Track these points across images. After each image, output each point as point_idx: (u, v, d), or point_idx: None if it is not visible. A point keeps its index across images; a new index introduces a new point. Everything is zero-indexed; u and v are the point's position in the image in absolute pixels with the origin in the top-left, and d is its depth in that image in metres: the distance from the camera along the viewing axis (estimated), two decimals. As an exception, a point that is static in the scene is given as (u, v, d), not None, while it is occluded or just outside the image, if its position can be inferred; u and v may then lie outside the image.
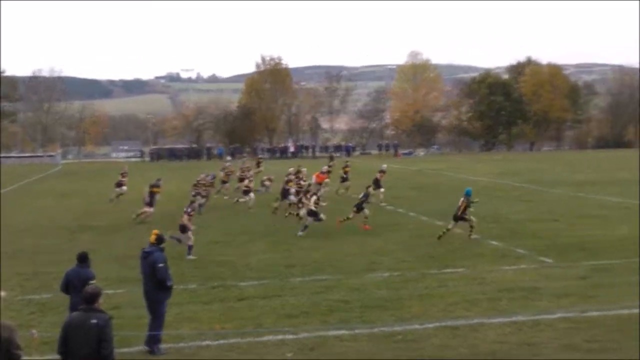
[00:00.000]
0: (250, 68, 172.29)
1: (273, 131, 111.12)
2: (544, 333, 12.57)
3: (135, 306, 13.99)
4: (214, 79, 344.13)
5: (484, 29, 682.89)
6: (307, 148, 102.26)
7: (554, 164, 67.52)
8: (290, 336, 12.67)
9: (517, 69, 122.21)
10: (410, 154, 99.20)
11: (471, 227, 22.96)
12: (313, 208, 24.67)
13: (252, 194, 32.58)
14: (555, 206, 31.30)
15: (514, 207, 31.41)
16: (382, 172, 34.55)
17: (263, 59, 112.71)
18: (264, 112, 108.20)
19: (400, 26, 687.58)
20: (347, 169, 37.90)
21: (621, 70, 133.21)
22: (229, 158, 69.06)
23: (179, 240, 19.10)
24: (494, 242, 22.30)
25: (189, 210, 21.48)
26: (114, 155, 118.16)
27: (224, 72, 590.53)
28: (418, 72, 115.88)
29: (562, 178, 45.55)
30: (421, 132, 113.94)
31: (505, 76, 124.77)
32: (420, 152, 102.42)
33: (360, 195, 26.27)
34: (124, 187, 35.44)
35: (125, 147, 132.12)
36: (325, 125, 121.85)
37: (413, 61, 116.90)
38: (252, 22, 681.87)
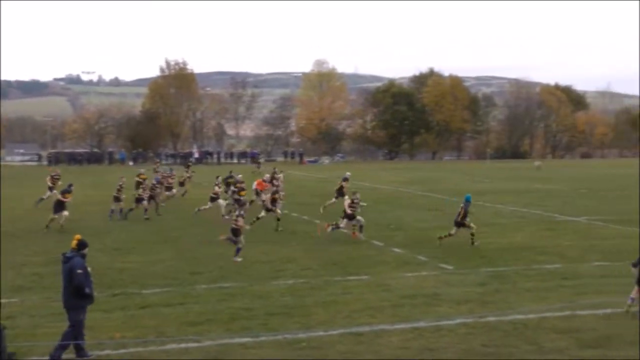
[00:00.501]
0: (154, 72, 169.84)
1: (177, 136, 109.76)
2: (445, 338, 12.88)
3: (31, 315, 13.48)
4: (116, 83, 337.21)
5: (388, 39, 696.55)
6: (211, 154, 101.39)
7: (455, 173, 69.43)
8: (194, 344, 12.51)
9: (420, 80, 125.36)
10: (315, 161, 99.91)
11: (472, 234, 23.26)
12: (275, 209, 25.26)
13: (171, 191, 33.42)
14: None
15: (417, 215, 32.14)
16: (346, 180, 34.41)
17: (168, 63, 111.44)
18: (168, 117, 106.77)
19: (306, 34, 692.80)
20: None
21: (518, 83, 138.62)
22: (131, 163, 67.63)
23: (235, 242, 20.90)
24: (396, 250, 22.70)
25: (242, 212, 21.92)
26: (8, 158, 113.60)
27: (127, 76, 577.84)
28: (324, 80, 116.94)
29: (463, 187, 46.78)
30: (326, 140, 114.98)
31: (409, 86, 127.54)
32: (325, 160, 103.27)
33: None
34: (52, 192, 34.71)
35: (22, 151, 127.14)
36: (230, 131, 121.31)
37: (319, 69, 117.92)
38: (157, 25, 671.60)
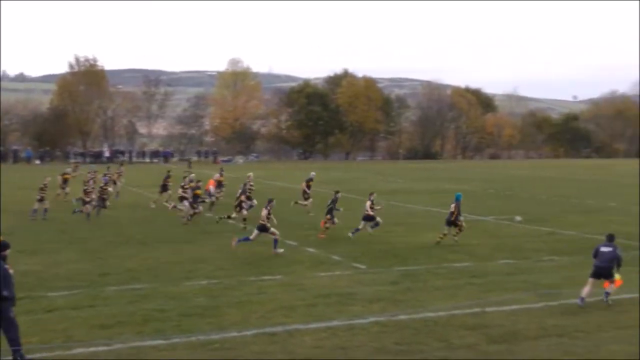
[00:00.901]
0: (62, 68, 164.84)
1: (87, 135, 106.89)
2: (358, 337, 13.02)
3: None
4: (21, 78, 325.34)
5: (303, 39, 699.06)
6: (123, 153, 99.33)
7: (368, 173, 70.32)
8: (103, 348, 12.23)
9: (335, 81, 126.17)
10: (229, 161, 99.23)
11: (459, 231, 24.01)
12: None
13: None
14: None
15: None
16: (311, 180, 34.03)
17: (77, 59, 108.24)
18: (77, 115, 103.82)
19: (220, 33, 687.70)
20: (168, 180, 36.93)
21: (430, 85, 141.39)
22: (37, 162, 65.45)
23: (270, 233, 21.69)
24: (311, 249, 22.82)
25: (269, 208, 22.17)
26: None
27: (34, 71, 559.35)
28: (238, 79, 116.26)
29: (376, 187, 47.39)
30: (241, 140, 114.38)
31: (323, 87, 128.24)
32: (240, 159, 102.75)
33: (328, 202, 26.39)
34: None
35: None
36: (142, 130, 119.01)
37: (233, 68, 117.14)
38: (65, 20, 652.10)
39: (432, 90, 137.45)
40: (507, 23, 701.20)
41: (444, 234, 24.19)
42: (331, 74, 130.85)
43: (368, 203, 25.74)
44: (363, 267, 19.96)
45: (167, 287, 16.94)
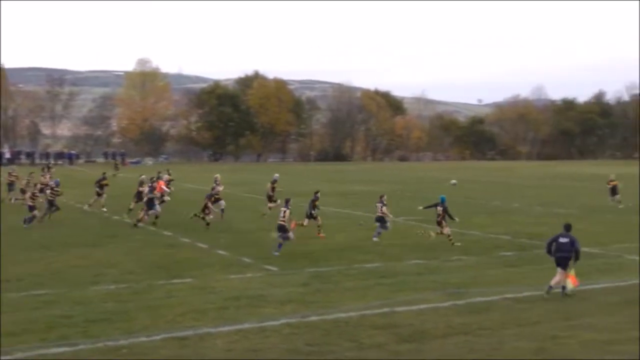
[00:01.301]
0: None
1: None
2: (269, 339, 13.00)
3: None
4: None
5: (213, 40, 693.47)
6: (26, 154, 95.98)
7: (280, 175, 70.14)
8: (5, 357, 11.77)
9: (245, 82, 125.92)
10: (138, 162, 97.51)
11: (440, 233, 24.80)
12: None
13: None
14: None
15: (242, 217, 32.21)
16: (275, 181, 33.66)
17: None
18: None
19: (128, 31, 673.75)
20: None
21: (340, 88, 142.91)
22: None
23: (288, 239, 22.43)
24: (221, 252, 22.66)
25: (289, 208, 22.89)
26: None
27: None
28: (147, 79, 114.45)
29: (288, 189, 47.37)
30: (149, 141, 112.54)
31: (234, 88, 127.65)
32: (149, 161, 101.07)
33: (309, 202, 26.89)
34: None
35: None
36: (46, 130, 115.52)
37: (142, 68, 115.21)
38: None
39: (342, 92, 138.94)
40: (416, 27, 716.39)
41: (438, 233, 24.99)
42: (242, 75, 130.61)
43: (379, 205, 25.94)
44: (274, 269, 19.95)
45: (74, 292, 16.46)
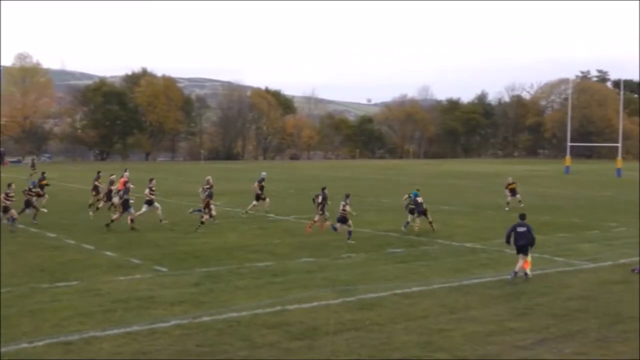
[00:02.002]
0: None
1: None
2: (159, 341, 12.79)
3: None
4: None
5: (98, 35, 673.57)
6: None
7: (170, 174, 69.24)
8: None
9: (133, 79, 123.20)
10: (19, 162, 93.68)
11: (430, 223, 27.88)
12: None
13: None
14: (171, 215, 32.12)
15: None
16: (262, 180, 33.63)
17: None
18: None
19: (5, 25, 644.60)
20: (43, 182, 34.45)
21: (230, 86, 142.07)
22: None
23: (335, 229, 25.54)
24: (109, 253, 22.14)
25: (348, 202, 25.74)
26: None
27: None
28: (27, 75, 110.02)
29: (177, 188, 46.88)
30: (31, 139, 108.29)
31: (121, 85, 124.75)
32: (31, 160, 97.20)
33: (319, 199, 27.48)
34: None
35: None
36: None
37: (21, 64, 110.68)
38: None
39: (233, 91, 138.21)
40: (306, 26, 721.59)
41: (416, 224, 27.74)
42: (129, 72, 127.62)
43: (406, 200, 28.86)
44: (164, 269, 19.64)
45: (-52, 299, 15.64)
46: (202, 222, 27.85)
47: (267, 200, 33.81)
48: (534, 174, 79.01)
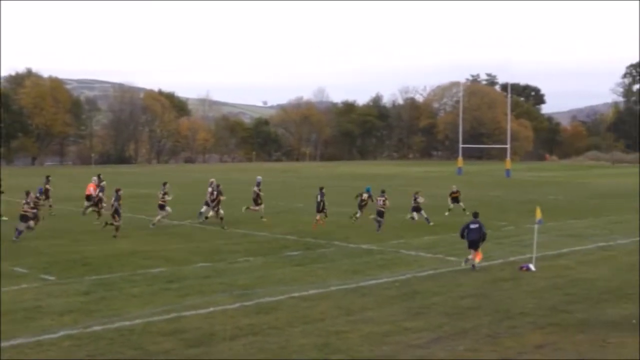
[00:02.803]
0: None
1: None
2: (48, 353, 12.36)
3: None
4: None
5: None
6: None
7: (58, 178, 66.90)
8: None
9: (17, 80, 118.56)
10: None
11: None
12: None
13: None
14: (59, 223, 31.26)
15: (13, 225, 30.30)
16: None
17: None
18: None
19: None
20: None
21: (122, 88, 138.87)
22: None
23: (379, 222, 29.34)
24: (-8, 263, 21.16)
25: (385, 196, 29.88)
26: None
27: None
28: None
29: (65, 193, 45.33)
30: None
31: (4, 87, 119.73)
32: None
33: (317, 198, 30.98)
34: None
35: None
36: None
37: None
38: None
39: (124, 93, 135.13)
40: (200, 28, 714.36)
41: (356, 215, 32.00)
42: (12, 73, 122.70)
43: (421, 199, 32.51)
44: (52, 278, 18.98)
45: None
46: (221, 219, 30.39)
47: (262, 206, 33.72)
48: (428, 175, 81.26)
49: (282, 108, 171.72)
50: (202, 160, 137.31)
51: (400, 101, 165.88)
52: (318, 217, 30.70)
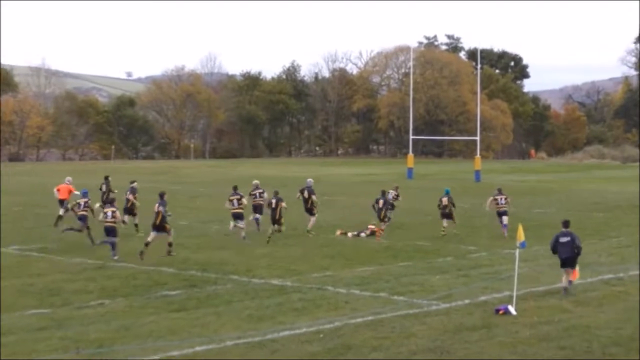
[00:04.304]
0: None
1: None
2: None
3: None
4: None
5: None
6: None
7: None
8: None
9: None
10: None
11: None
12: None
13: None
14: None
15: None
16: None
17: None
18: None
19: None
20: None
21: None
22: None
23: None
24: None
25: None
26: None
27: None
28: None
29: None
30: None
31: None
32: None
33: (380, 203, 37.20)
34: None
35: None
36: None
37: None
38: None
39: None
40: None
41: (444, 227, 36.84)
42: None
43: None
44: None
45: None
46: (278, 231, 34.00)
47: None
48: (366, 179, 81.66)
49: (154, 82, 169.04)
50: (36, 158, 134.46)
51: (326, 73, 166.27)
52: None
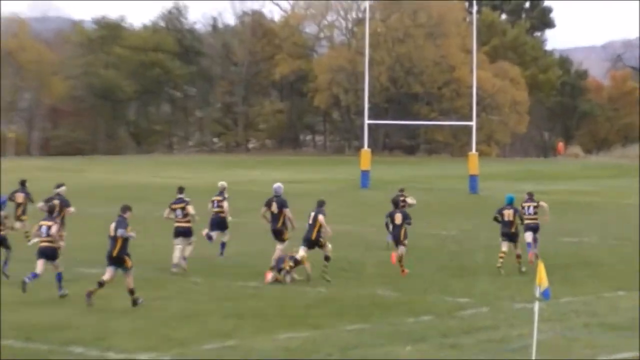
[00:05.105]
0: None
1: None
2: None
3: None
4: None
5: None
6: None
7: None
8: None
9: None
10: None
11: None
12: None
13: None
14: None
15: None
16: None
17: None
18: None
19: None
20: None
21: None
22: None
23: None
24: None
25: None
26: None
27: None
28: None
29: None
30: None
31: None
32: None
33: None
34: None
35: None
36: None
37: None
38: None
39: None
40: None
41: (504, 252, 38.18)
42: None
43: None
44: None
45: None
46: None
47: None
48: (294, 190, 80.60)
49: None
50: None
51: (231, 20, 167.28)
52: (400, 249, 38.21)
